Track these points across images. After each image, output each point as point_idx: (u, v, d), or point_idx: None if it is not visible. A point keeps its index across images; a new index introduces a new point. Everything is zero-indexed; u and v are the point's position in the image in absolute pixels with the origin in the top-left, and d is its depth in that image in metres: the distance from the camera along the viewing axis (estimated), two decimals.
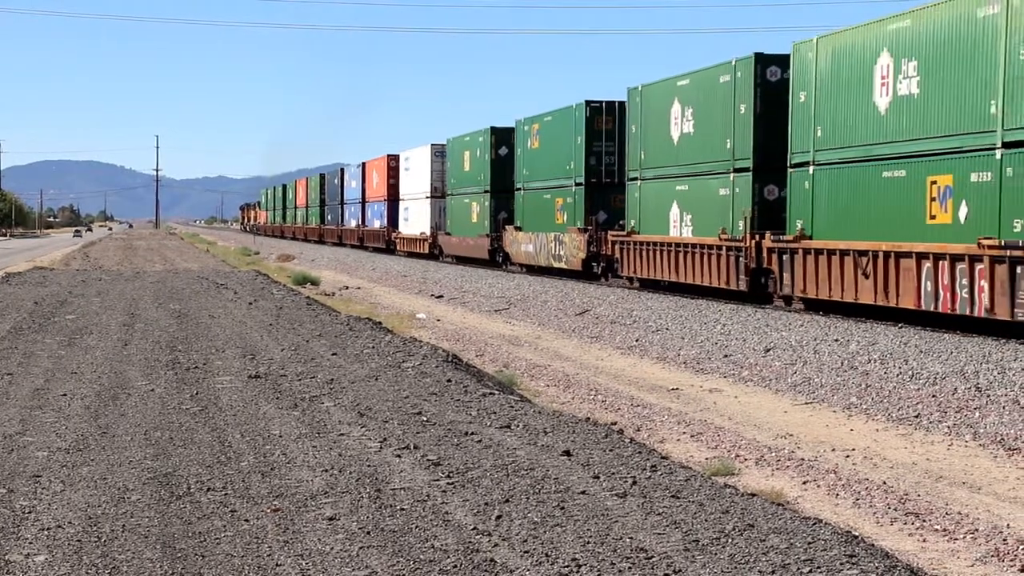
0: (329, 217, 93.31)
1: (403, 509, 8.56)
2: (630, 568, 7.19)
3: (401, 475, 9.65)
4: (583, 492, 9.07)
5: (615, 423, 13.82)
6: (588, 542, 7.73)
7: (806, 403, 15.68)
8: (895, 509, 10.04)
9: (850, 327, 23.23)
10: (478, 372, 17.46)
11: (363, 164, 77.44)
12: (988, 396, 15.15)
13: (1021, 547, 8.77)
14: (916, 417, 14.24)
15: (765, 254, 27.83)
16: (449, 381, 15.18)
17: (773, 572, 7.10)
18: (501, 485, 9.31)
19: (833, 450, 12.63)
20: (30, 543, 7.74)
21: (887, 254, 23.12)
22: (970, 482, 11.12)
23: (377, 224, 72.20)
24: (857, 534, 8.24)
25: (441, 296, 35.57)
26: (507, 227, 47.46)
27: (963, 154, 21.20)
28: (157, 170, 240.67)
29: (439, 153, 58.23)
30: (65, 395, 13.99)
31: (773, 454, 12.40)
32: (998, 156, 20.22)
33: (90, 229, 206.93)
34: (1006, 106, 20.03)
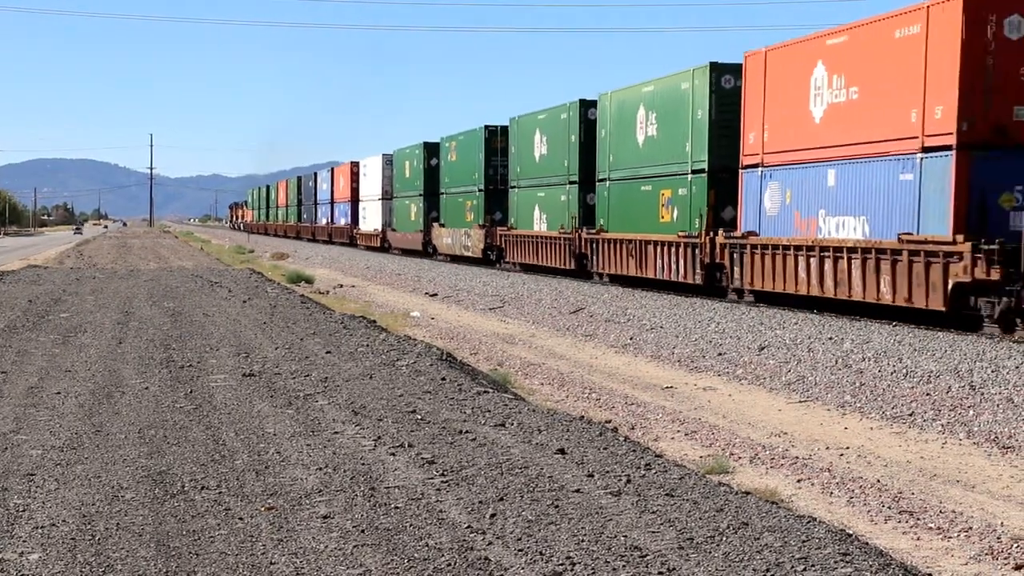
0: (305, 216, 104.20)
1: (397, 507, 8.56)
2: (624, 566, 7.20)
3: (395, 473, 9.65)
4: (577, 490, 9.07)
5: (609, 421, 13.82)
6: (582, 540, 7.73)
7: (800, 401, 15.69)
8: (889, 507, 10.05)
9: (844, 325, 23.27)
10: (472, 370, 17.46)
11: (332, 169, 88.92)
12: (982, 394, 15.17)
13: (1015, 545, 8.78)
14: (910, 415, 14.25)
15: (584, 243, 39.35)
16: (443, 379, 15.17)
17: (767, 570, 7.11)
18: (495, 483, 9.31)
19: (827, 448, 12.64)
20: (24, 541, 7.73)
21: (642, 241, 34.66)
22: (964, 480, 11.13)
23: (343, 222, 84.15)
24: (851, 532, 8.25)
25: (435, 294, 35.57)
26: (434, 224, 58.51)
27: (674, 176, 32.99)
28: (152, 168, 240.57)
29: (388, 162, 69.19)
30: (59, 393, 13.98)
31: (767, 452, 12.41)
32: (689, 179, 32.12)
33: (79, 230, 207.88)
34: (693, 148, 31.84)
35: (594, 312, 27.90)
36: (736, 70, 30.51)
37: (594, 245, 38.19)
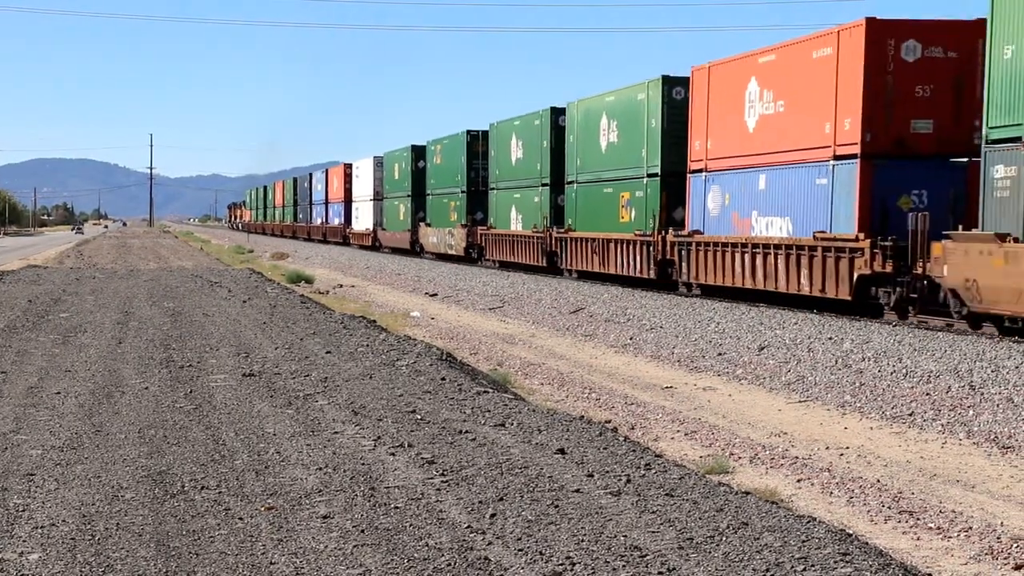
0: (301, 216, 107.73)
1: (397, 507, 8.56)
2: (624, 566, 7.20)
3: (395, 473, 9.65)
4: (577, 490, 9.07)
5: (609, 421, 13.82)
6: (582, 540, 7.73)
7: (800, 401, 15.69)
8: (889, 507, 10.05)
9: (844, 325, 23.27)
10: (472, 370, 17.46)
11: (326, 170, 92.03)
12: (982, 394, 15.17)
13: (1015, 545, 8.78)
14: (910, 415, 14.25)
15: (554, 241, 42.62)
16: (443, 379, 15.17)
17: (767, 570, 7.11)
18: (495, 483, 9.31)
19: (827, 448, 12.64)
20: (24, 541, 7.73)
21: (605, 240, 37.54)
22: (964, 480, 11.13)
23: (337, 221, 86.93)
24: (851, 532, 8.25)
25: (435, 294, 35.57)
26: (421, 224, 61.40)
27: (632, 180, 35.80)
28: (151, 168, 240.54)
29: (379, 164, 72.20)
30: (59, 393, 13.98)
31: (767, 452, 12.41)
32: (644, 182, 34.82)
33: (80, 230, 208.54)
34: (648, 154, 34.49)
35: (594, 312, 27.91)
36: (685, 83, 33.19)
37: (563, 243, 41.58)
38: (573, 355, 20.95)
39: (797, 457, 12.16)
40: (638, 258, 35.07)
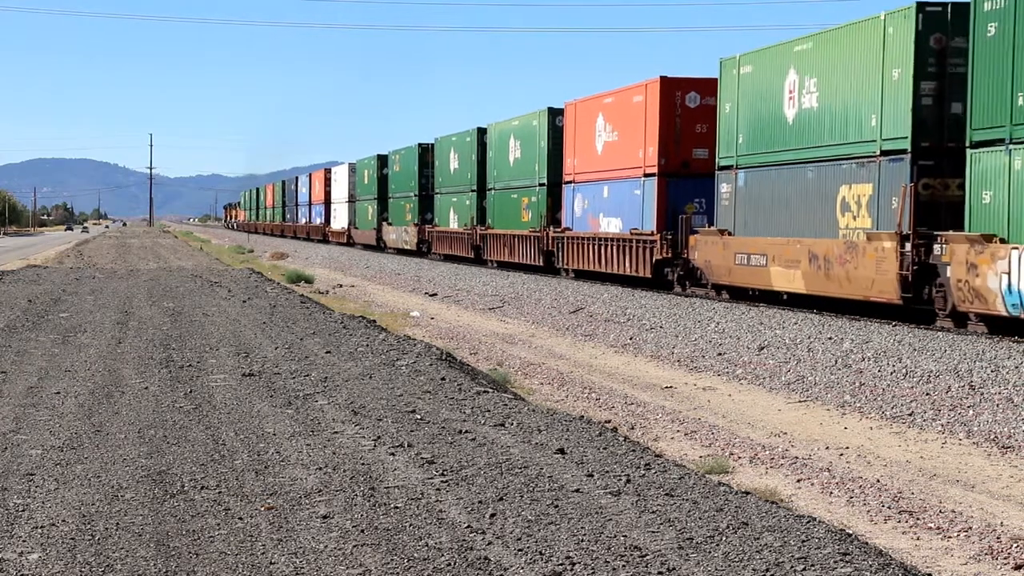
0: (288, 216, 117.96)
1: (397, 507, 8.56)
2: (624, 566, 7.20)
3: (395, 473, 9.65)
4: (577, 490, 9.07)
5: (609, 421, 13.82)
6: (582, 540, 7.73)
7: (800, 401, 15.69)
8: (889, 507, 10.05)
9: (844, 325, 23.28)
10: (472, 370, 17.45)
11: (310, 175, 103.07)
12: (982, 394, 15.18)
13: (1015, 545, 8.78)
14: (910, 415, 14.25)
15: (479, 237, 51.12)
16: (443, 379, 15.17)
17: (767, 570, 7.11)
18: (495, 483, 9.31)
19: (827, 448, 12.64)
20: (24, 541, 7.73)
21: (511, 235, 47.11)
22: (964, 480, 11.14)
23: (318, 221, 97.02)
24: (851, 532, 8.24)
25: (435, 294, 35.58)
26: (384, 223, 70.72)
27: (530, 187, 45.59)
28: (151, 168, 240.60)
29: (353, 170, 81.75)
30: (59, 393, 13.97)
31: (767, 452, 12.42)
32: (537, 190, 44.66)
33: (71, 228, 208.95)
34: (539, 168, 44.69)
35: (594, 312, 27.92)
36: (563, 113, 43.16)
37: (485, 239, 50.77)
38: (573, 355, 20.95)
39: (797, 457, 12.16)
40: (532, 250, 44.62)
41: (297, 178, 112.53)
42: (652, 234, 33.86)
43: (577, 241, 40.20)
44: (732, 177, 30.42)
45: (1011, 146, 20.60)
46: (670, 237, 33.21)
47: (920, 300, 23.16)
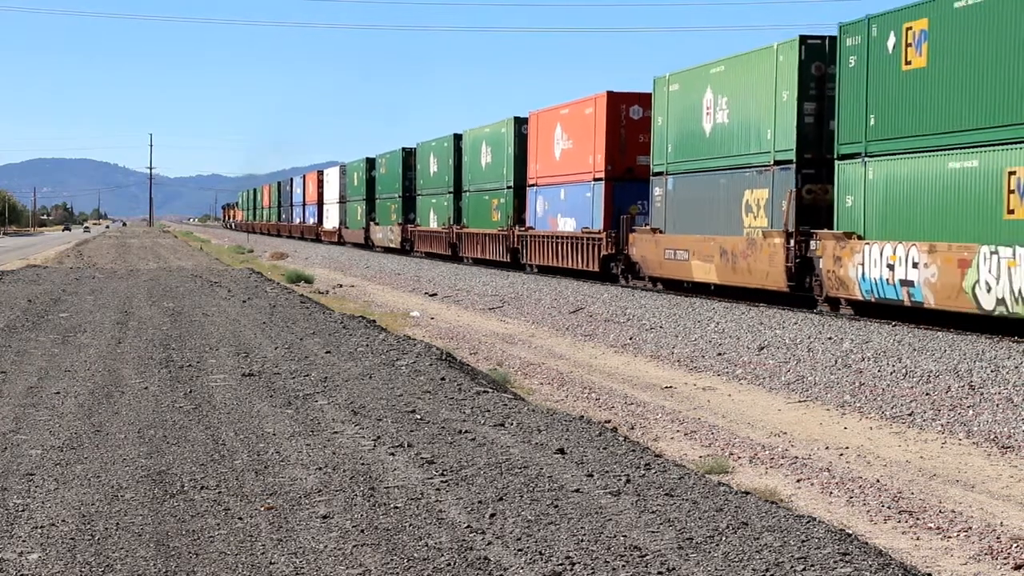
0: (283, 216, 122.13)
1: (397, 507, 8.56)
2: (624, 566, 7.20)
3: (395, 473, 9.65)
4: (577, 490, 9.07)
5: (609, 421, 13.82)
6: (582, 540, 7.73)
7: (800, 401, 15.69)
8: (888, 507, 10.06)
9: (844, 325, 23.29)
10: (472, 370, 17.45)
11: (304, 176, 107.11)
12: (981, 394, 15.18)
13: (1014, 545, 8.78)
14: (910, 415, 14.25)
15: (455, 236, 54.77)
16: (443, 379, 15.17)
17: (767, 570, 7.11)
18: (495, 483, 9.31)
19: (827, 448, 12.65)
20: (23, 541, 7.73)
21: (483, 234, 50.36)
22: (964, 480, 11.14)
23: (311, 221, 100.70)
24: (851, 532, 8.24)
25: (435, 294, 35.58)
26: (371, 223, 74.50)
27: (499, 190, 48.86)
28: (151, 168, 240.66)
29: (343, 172, 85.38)
30: (59, 393, 13.97)
31: (767, 452, 12.42)
32: (505, 192, 48.14)
33: (69, 228, 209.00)
34: (506, 172, 47.83)
35: (593, 312, 27.92)
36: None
37: (461, 237, 54.03)
38: (573, 355, 20.95)
39: (797, 457, 12.16)
40: (500, 247, 47.94)
41: (292, 179, 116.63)
42: (600, 232, 37.50)
43: (539, 239, 43.81)
44: (663, 182, 34.09)
45: (866, 159, 24.69)
46: (614, 235, 36.83)
47: (802, 288, 27.04)
